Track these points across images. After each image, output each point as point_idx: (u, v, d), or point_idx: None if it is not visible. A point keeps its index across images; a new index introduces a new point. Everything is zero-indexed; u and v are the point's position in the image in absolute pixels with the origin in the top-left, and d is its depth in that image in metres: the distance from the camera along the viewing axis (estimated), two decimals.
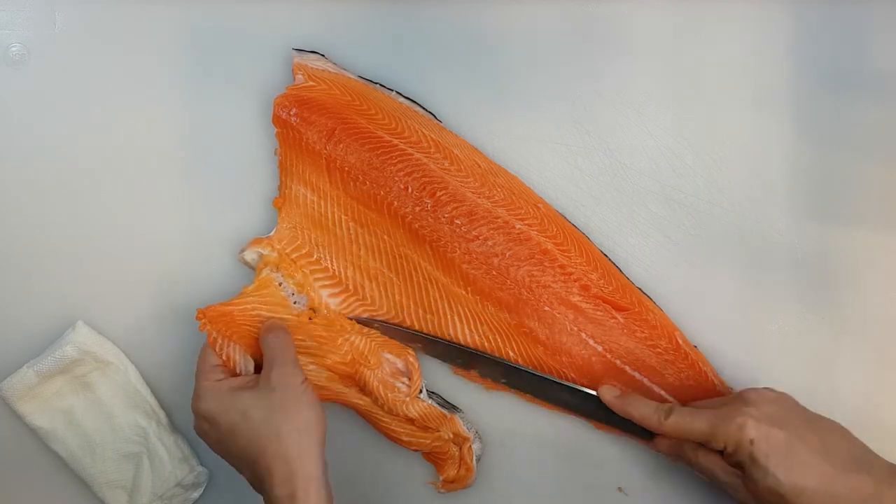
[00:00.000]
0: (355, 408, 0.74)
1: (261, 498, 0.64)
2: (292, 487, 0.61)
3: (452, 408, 0.74)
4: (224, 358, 0.69)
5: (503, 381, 0.73)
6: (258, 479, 0.63)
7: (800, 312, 0.75)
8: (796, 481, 0.61)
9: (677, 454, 0.68)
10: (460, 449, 0.74)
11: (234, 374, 0.69)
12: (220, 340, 0.69)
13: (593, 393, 0.71)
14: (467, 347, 0.73)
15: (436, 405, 0.73)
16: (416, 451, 0.74)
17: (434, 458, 0.74)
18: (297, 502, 0.61)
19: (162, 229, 0.76)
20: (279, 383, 0.65)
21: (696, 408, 0.67)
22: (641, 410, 0.68)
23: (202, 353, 0.69)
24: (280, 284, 0.73)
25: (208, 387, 0.66)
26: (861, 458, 0.63)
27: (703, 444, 0.66)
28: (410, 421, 0.73)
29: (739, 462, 0.63)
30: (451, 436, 0.73)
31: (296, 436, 0.63)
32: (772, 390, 0.66)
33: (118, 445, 0.75)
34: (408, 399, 0.73)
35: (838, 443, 0.64)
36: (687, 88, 0.76)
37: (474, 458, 0.74)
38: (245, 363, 0.70)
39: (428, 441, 0.73)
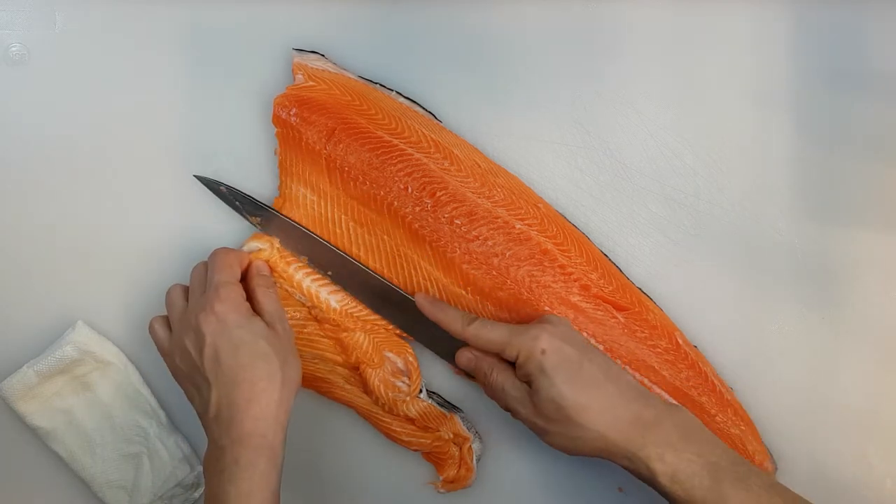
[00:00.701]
0: (355, 407, 0.74)
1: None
2: (265, 428, 0.63)
3: (453, 408, 0.74)
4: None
5: (330, 273, 0.73)
6: (228, 401, 0.63)
7: (800, 312, 0.75)
8: (579, 398, 0.63)
9: (475, 369, 0.69)
10: (460, 449, 0.74)
11: None
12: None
13: (411, 297, 0.72)
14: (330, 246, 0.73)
15: (436, 405, 0.73)
16: (415, 450, 0.74)
17: (434, 458, 0.74)
18: (264, 443, 0.62)
19: (162, 229, 0.76)
20: (284, 334, 0.67)
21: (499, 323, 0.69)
22: (449, 315, 0.69)
23: (227, 258, 0.69)
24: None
25: (234, 296, 0.66)
26: (640, 390, 0.66)
27: (499, 360, 0.67)
28: (410, 421, 0.73)
29: (528, 374, 0.65)
30: (451, 436, 0.73)
31: (287, 385, 0.65)
32: (564, 318, 0.69)
33: (118, 445, 0.75)
34: (408, 398, 0.73)
35: (621, 374, 0.66)
36: (687, 88, 0.76)
37: (474, 458, 0.74)
38: None
39: (428, 441, 0.73)
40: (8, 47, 0.75)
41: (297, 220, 0.74)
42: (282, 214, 0.73)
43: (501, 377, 0.67)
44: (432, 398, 0.74)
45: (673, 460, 0.62)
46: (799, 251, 0.75)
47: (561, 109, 0.76)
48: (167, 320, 0.69)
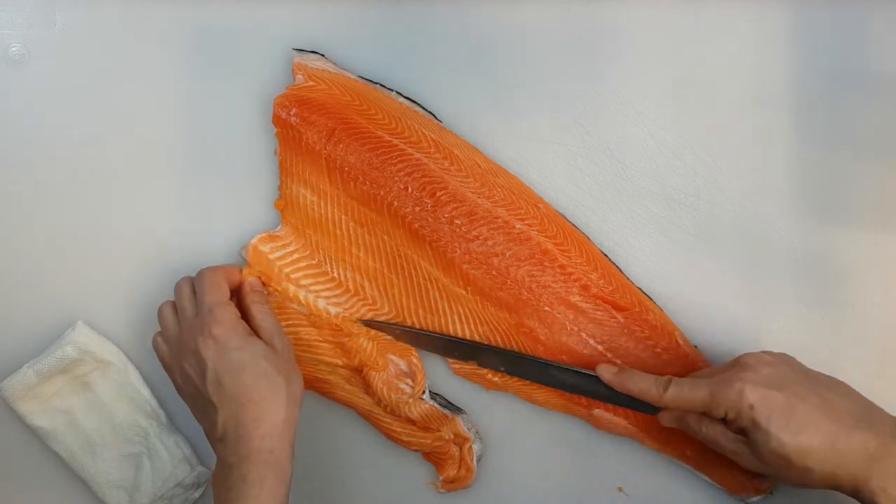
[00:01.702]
0: (356, 407, 0.74)
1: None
2: (273, 443, 0.63)
3: (455, 409, 0.74)
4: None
5: (502, 368, 0.73)
6: (235, 422, 0.63)
7: (800, 312, 0.75)
8: (800, 442, 0.61)
9: (682, 426, 0.68)
10: (460, 449, 0.74)
11: None
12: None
13: (591, 373, 0.71)
14: (468, 340, 0.73)
15: (438, 406, 0.73)
16: (416, 451, 0.74)
17: (434, 458, 0.74)
18: (271, 459, 0.63)
19: (162, 229, 0.76)
20: (283, 350, 0.67)
21: (695, 377, 0.67)
22: (640, 384, 0.67)
23: (215, 278, 0.68)
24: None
25: (229, 317, 0.66)
26: (863, 413, 0.63)
27: (705, 414, 0.65)
28: (411, 421, 0.73)
29: (742, 428, 0.63)
30: (452, 436, 0.73)
31: (291, 401, 0.65)
32: (769, 353, 0.66)
33: (118, 445, 0.75)
34: (411, 400, 0.73)
35: (839, 400, 0.63)
36: (687, 88, 0.76)
37: (474, 458, 0.74)
38: None
39: (428, 441, 0.73)
40: (8, 47, 0.75)
41: (296, 219, 0.74)
42: (444, 335, 0.73)
43: (713, 432, 0.65)
44: (435, 399, 0.74)
45: None
46: (799, 251, 0.75)
47: (561, 109, 0.76)
48: (163, 336, 0.70)
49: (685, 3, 0.76)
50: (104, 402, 0.75)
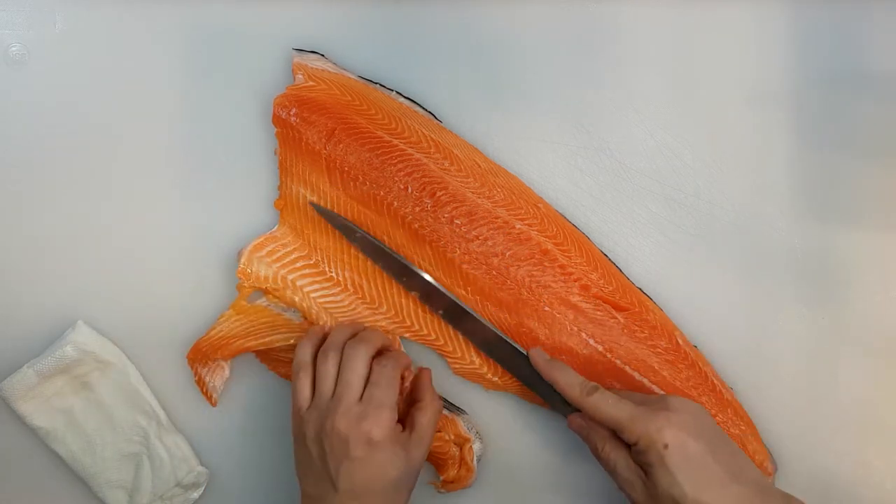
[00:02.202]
0: None
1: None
2: None
3: (456, 409, 0.74)
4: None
5: (441, 312, 0.72)
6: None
7: (800, 312, 0.75)
8: (699, 498, 0.61)
9: (585, 436, 0.68)
10: (461, 449, 0.74)
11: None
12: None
13: (524, 352, 0.71)
14: (420, 271, 0.72)
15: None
16: None
17: (434, 459, 0.74)
18: None
19: (162, 229, 0.76)
20: (417, 461, 0.67)
21: (620, 396, 0.66)
22: (567, 379, 0.67)
23: (395, 375, 0.67)
24: (267, 305, 0.74)
25: (390, 423, 0.65)
26: (764, 487, 0.63)
27: (614, 434, 0.65)
28: None
29: (647, 462, 0.63)
30: (452, 437, 0.73)
31: None
32: (692, 402, 0.66)
33: (118, 445, 0.75)
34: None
35: (746, 469, 0.63)
36: (687, 88, 0.76)
37: (475, 458, 0.74)
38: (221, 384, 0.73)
39: None
40: (8, 47, 0.75)
41: (295, 219, 0.74)
42: (397, 255, 0.72)
43: (615, 455, 0.65)
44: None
45: None
46: (799, 251, 0.75)
47: (561, 109, 0.76)
48: (313, 378, 0.68)
49: (685, 3, 0.76)
50: (104, 402, 0.75)
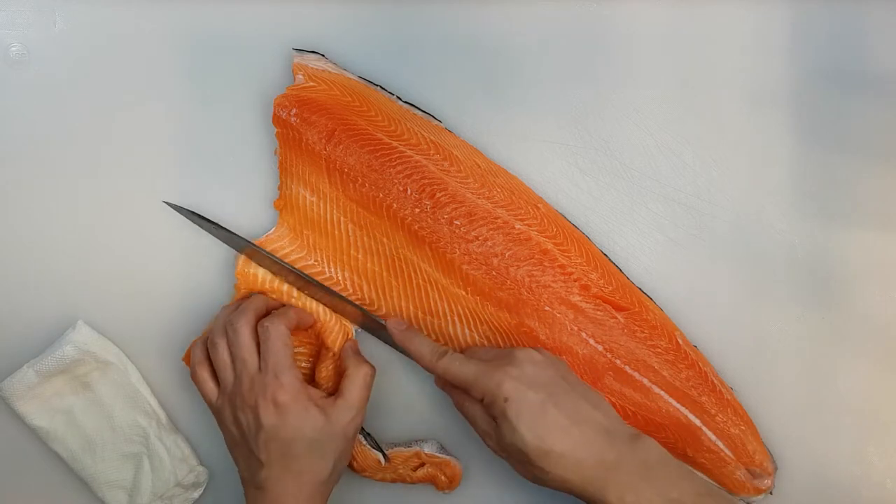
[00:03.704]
0: None
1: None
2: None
3: (415, 442, 0.75)
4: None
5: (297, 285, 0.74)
6: (276, 484, 0.66)
7: (800, 312, 0.75)
8: (541, 444, 0.63)
9: (449, 394, 0.70)
10: (435, 466, 0.75)
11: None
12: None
13: (383, 323, 0.72)
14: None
15: (369, 448, 0.74)
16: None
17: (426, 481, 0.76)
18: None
19: (162, 229, 0.76)
20: (344, 428, 0.68)
21: (470, 356, 0.68)
22: (419, 348, 0.69)
23: (283, 337, 0.68)
24: None
25: (296, 384, 0.67)
26: (608, 429, 0.65)
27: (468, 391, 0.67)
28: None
29: (494, 415, 0.65)
30: (425, 469, 0.75)
31: (330, 482, 0.68)
32: (541, 352, 0.68)
33: (118, 445, 0.75)
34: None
35: (589, 410, 0.65)
36: (687, 88, 0.76)
37: (440, 454, 0.75)
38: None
39: (410, 480, 0.75)
40: (8, 47, 0.75)
41: (296, 221, 0.74)
42: (257, 246, 0.73)
43: (472, 410, 0.67)
44: (367, 440, 0.74)
45: (633, 500, 0.62)
46: (799, 251, 0.75)
47: (561, 109, 0.76)
48: (212, 370, 0.69)
49: (685, 3, 0.76)
50: (104, 402, 0.75)
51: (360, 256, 0.73)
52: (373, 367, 0.71)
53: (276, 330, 0.68)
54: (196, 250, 0.76)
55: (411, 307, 0.73)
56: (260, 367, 0.67)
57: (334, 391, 0.71)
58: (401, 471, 0.74)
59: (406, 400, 0.76)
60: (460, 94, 0.76)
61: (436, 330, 0.73)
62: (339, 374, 0.72)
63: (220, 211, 0.75)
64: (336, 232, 0.73)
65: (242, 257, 0.74)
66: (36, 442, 0.75)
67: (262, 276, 0.73)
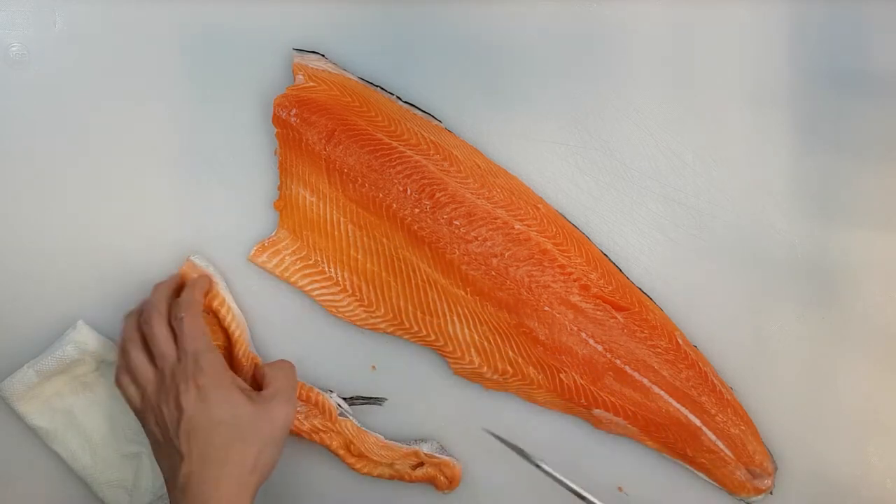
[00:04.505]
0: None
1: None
2: None
3: (416, 442, 0.75)
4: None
5: None
6: (198, 478, 0.62)
7: (800, 312, 0.75)
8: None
9: None
10: (435, 466, 0.74)
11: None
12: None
13: None
14: None
15: (350, 417, 0.74)
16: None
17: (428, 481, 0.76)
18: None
19: (162, 229, 0.76)
20: (271, 413, 0.66)
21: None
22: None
23: (197, 321, 0.67)
24: None
25: (216, 366, 0.66)
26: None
27: None
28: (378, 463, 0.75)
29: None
30: (424, 469, 0.74)
31: (257, 472, 0.64)
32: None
33: (118, 445, 0.75)
34: (329, 423, 0.73)
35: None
36: (687, 88, 0.76)
37: (440, 455, 0.74)
38: None
39: (407, 479, 0.75)
40: (8, 47, 0.75)
41: (296, 221, 0.74)
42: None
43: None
44: (354, 403, 0.74)
45: None
46: (798, 251, 0.75)
47: (561, 109, 0.76)
48: (133, 377, 0.68)
49: (685, 3, 0.76)
50: (104, 402, 0.75)
51: (359, 257, 0.73)
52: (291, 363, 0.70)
53: (190, 317, 0.67)
54: (197, 249, 0.76)
55: (410, 307, 0.73)
56: (179, 358, 0.66)
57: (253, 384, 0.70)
58: (398, 467, 0.74)
59: (407, 399, 0.76)
60: (460, 94, 0.76)
61: (435, 330, 0.73)
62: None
63: (220, 211, 0.75)
64: (336, 232, 0.73)
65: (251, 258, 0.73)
66: (36, 442, 0.75)
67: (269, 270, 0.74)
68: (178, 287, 0.72)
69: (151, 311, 0.68)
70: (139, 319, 0.69)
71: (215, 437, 0.63)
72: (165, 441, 0.65)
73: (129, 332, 0.69)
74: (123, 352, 0.68)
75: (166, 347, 0.67)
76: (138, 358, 0.68)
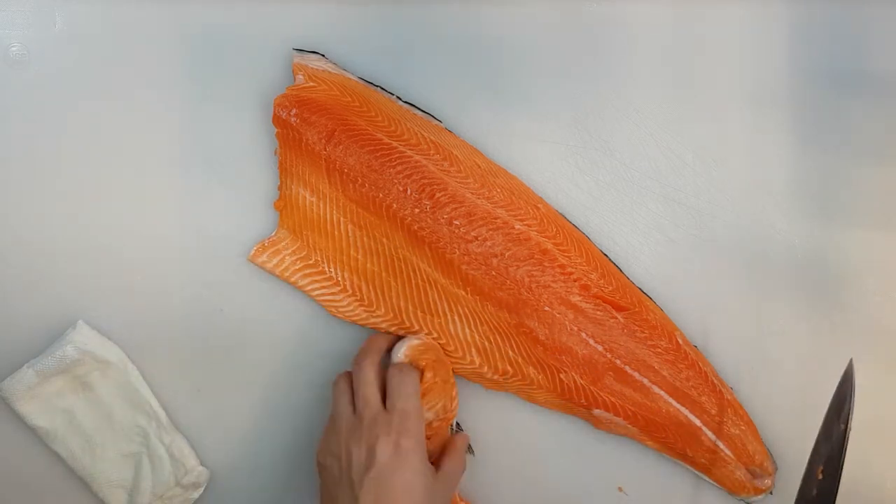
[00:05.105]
0: None
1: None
2: None
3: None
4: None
5: None
6: None
7: (800, 313, 0.75)
8: None
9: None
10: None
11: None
12: None
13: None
14: None
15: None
16: None
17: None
18: None
19: (162, 229, 0.76)
20: (447, 489, 0.65)
21: None
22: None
23: (414, 384, 0.66)
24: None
25: (420, 435, 0.64)
26: None
27: None
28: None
29: None
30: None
31: None
32: None
33: (118, 445, 0.75)
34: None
35: None
36: (687, 88, 0.76)
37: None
38: None
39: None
40: (8, 47, 0.75)
41: (296, 221, 0.74)
42: None
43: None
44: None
45: None
46: (799, 251, 0.75)
47: (561, 109, 0.76)
48: (352, 397, 0.67)
49: (686, 3, 0.76)
50: (104, 402, 0.75)
51: (359, 256, 0.73)
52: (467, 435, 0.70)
53: (410, 374, 0.66)
54: (197, 250, 0.76)
55: (410, 307, 0.73)
56: (385, 407, 0.64)
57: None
58: None
59: None
60: (460, 94, 0.76)
61: (436, 329, 0.73)
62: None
63: (220, 211, 0.76)
64: (336, 232, 0.73)
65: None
66: (36, 442, 0.75)
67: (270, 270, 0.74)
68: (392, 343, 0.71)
69: (365, 355, 0.68)
70: (353, 360, 0.68)
71: (400, 498, 0.61)
72: (341, 479, 0.63)
73: (341, 385, 0.68)
74: (335, 387, 0.68)
75: (371, 392, 0.65)
76: (341, 390, 0.67)
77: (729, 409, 0.73)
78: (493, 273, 0.72)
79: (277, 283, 0.75)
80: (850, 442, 0.74)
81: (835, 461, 0.63)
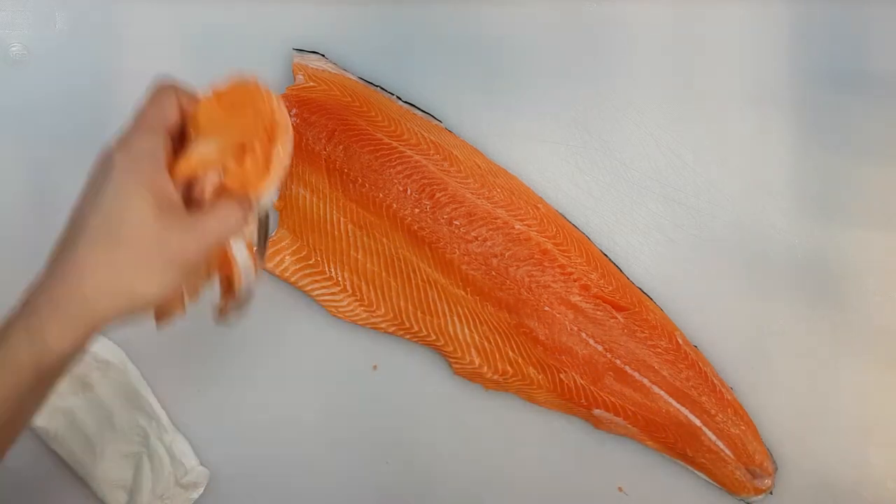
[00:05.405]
0: None
1: None
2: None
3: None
4: None
5: None
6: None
7: (800, 312, 0.75)
8: None
9: None
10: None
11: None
12: None
13: None
14: None
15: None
16: None
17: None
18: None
19: None
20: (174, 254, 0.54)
21: None
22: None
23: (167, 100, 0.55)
24: None
25: (133, 147, 0.52)
26: None
27: None
28: None
29: None
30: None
31: (124, 300, 0.55)
32: None
33: (118, 445, 0.75)
34: None
35: None
36: (687, 88, 0.76)
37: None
38: None
39: None
40: (8, 47, 0.75)
41: (296, 221, 0.74)
42: None
43: None
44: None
45: None
46: (799, 251, 0.75)
47: (561, 109, 0.76)
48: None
49: (686, 3, 0.76)
50: (104, 402, 0.75)
51: (359, 256, 0.73)
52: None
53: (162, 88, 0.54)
54: None
55: (411, 307, 0.73)
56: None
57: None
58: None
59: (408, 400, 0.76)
60: (460, 94, 0.76)
61: (436, 329, 0.73)
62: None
63: None
64: (336, 232, 0.73)
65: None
66: (36, 442, 0.75)
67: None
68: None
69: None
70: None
71: (88, 210, 0.52)
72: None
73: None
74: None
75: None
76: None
77: (729, 409, 0.73)
78: (493, 273, 0.72)
79: (277, 283, 0.75)
80: (850, 442, 0.74)
81: None
